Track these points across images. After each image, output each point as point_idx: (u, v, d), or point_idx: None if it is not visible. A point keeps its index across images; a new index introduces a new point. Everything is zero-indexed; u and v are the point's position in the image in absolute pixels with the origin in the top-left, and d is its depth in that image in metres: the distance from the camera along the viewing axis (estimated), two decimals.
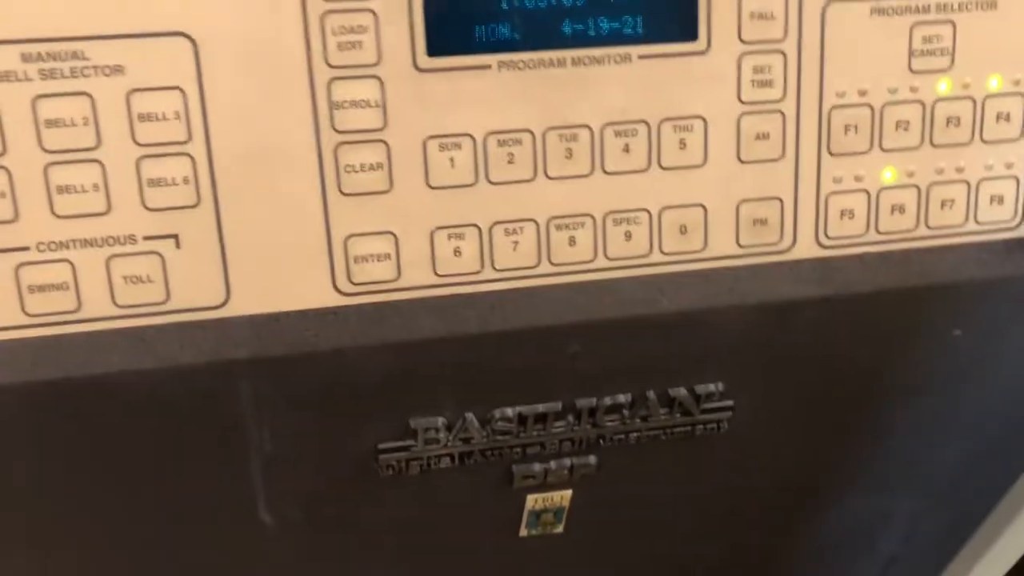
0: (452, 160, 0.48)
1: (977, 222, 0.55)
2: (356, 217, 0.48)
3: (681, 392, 0.56)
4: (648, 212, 0.51)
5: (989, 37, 0.52)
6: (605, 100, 0.48)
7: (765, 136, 0.51)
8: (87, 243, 0.45)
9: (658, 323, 0.52)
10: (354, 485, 0.55)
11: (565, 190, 0.49)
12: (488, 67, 0.47)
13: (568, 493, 0.61)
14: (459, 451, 0.55)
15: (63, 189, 0.44)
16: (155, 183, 0.45)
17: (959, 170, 0.54)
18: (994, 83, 0.53)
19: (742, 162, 0.51)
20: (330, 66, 0.45)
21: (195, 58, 0.44)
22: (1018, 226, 0.56)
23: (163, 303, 0.47)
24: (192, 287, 0.47)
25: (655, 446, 0.58)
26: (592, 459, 0.58)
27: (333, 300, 0.49)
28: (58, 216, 0.44)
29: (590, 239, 0.51)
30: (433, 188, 0.48)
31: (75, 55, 0.43)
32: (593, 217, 0.50)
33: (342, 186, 0.47)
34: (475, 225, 0.49)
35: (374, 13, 0.45)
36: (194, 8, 0.43)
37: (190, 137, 0.45)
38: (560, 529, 0.63)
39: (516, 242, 0.50)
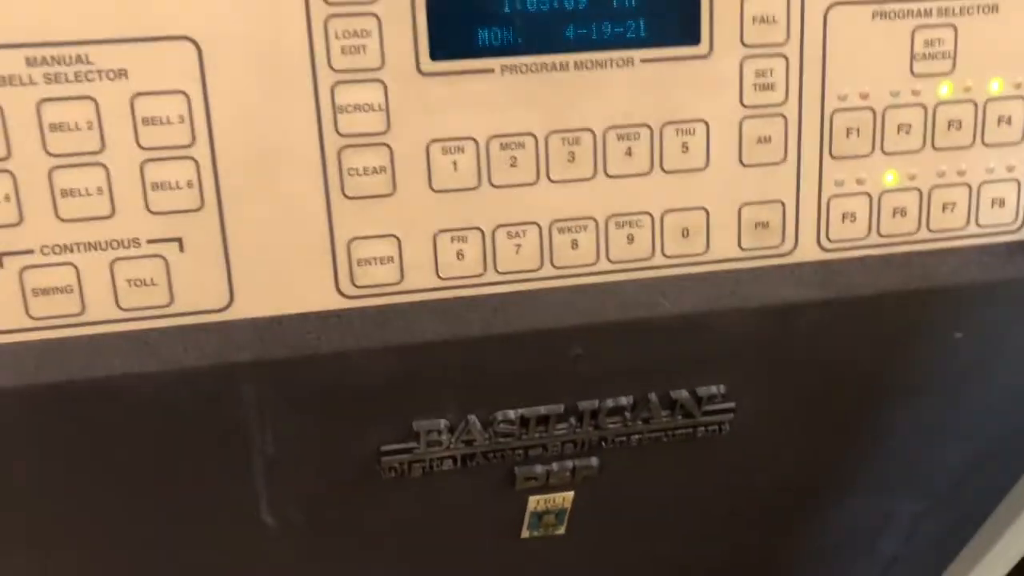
0: (455, 163, 0.48)
1: (978, 225, 0.55)
2: (359, 220, 0.48)
3: (683, 394, 0.56)
4: (650, 215, 0.51)
5: (990, 40, 0.52)
6: (608, 103, 0.49)
7: (767, 139, 0.51)
8: (91, 246, 0.45)
9: (660, 326, 0.52)
10: (356, 487, 0.55)
11: (567, 193, 0.50)
12: (491, 71, 0.47)
13: (570, 495, 0.61)
14: (461, 453, 0.55)
15: (67, 192, 0.44)
16: (159, 187, 0.45)
17: (960, 173, 0.54)
18: (995, 86, 0.53)
19: (744, 165, 0.51)
20: (333, 70, 0.45)
21: (199, 62, 0.44)
22: (1019, 229, 0.56)
23: (166, 306, 0.47)
24: (195, 290, 0.47)
25: (657, 448, 0.58)
26: (594, 461, 0.59)
27: (336, 303, 0.49)
28: (62, 219, 0.45)
29: (592, 242, 0.51)
30: (436, 191, 0.48)
31: (79, 59, 0.43)
32: (595, 220, 0.50)
33: (345, 189, 0.47)
34: (478, 228, 0.49)
35: (377, 17, 0.45)
36: (198, 12, 0.43)
37: (194, 141, 0.45)
38: (562, 530, 0.64)
39: (519, 245, 0.50)
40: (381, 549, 0.62)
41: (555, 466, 0.58)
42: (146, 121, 0.44)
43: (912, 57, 0.52)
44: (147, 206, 0.45)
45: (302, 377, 0.49)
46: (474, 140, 0.48)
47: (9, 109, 0.43)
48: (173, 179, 0.45)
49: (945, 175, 0.54)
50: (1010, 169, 0.54)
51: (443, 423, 0.54)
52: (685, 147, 0.50)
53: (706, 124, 0.50)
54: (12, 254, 0.45)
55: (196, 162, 0.45)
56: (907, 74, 0.52)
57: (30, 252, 0.45)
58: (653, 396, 0.56)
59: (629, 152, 0.50)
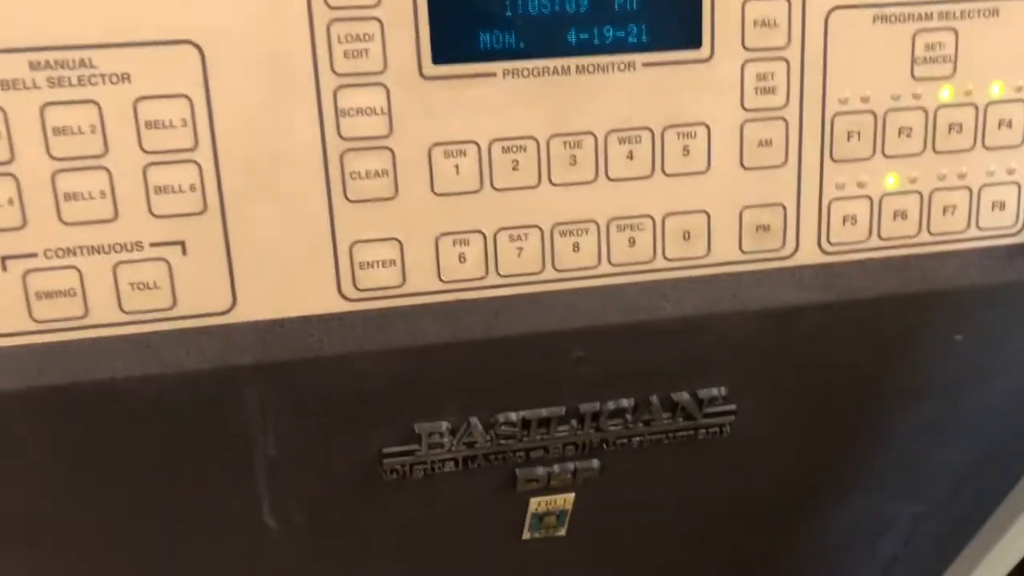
0: (457, 167, 0.48)
1: (979, 228, 0.55)
2: (361, 223, 0.48)
3: (684, 396, 0.56)
4: (652, 218, 0.51)
5: (991, 44, 0.52)
6: (609, 107, 0.49)
7: (768, 143, 0.51)
8: (94, 250, 0.45)
9: (661, 328, 0.53)
10: (358, 489, 0.55)
11: (569, 196, 0.50)
12: (493, 75, 0.47)
13: (571, 496, 0.61)
14: (463, 455, 0.55)
15: (70, 196, 0.44)
16: (162, 190, 0.45)
17: (961, 176, 0.54)
18: (996, 90, 0.53)
19: (745, 168, 0.51)
20: (336, 74, 0.46)
21: (202, 66, 0.44)
22: (1019, 232, 0.56)
23: (169, 309, 0.47)
24: (198, 293, 0.47)
25: (658, 450, 0.58)
26: (595, 463, 0.59)
27: (338, 306, 0.49)
28: (65, 223, 0.45)
29: (594, 245, 0.51)
30: (438, 195, 0.48)
31: (83, 63, 0.43)
32: (597, 223, 0.51)
33: (348, 193, 0.47)
34: (480, 231, 0.49)
35: (380, 21, 0.45)
36: (201, 16, 0.44)
37: (197, 144, 0.45)
38: (563, 532, 0.64)
39: (520, 248, 0.50)
40: (383, 551, 0.62)
41: (556, 468, 0.58)
42: (149, 125, 0.44)
43: (913, 61, 0.52)
44: (150, 209, 0.45)
45: (304, 380, 0.49)
46: (476, 144, 0.48)
47: (12, 113, 0.43)
48: (176, 183, 0.45)
49: (946, 178, 0.54)
50: (1010, 172, 0.55)
51: (445, 425, 0.54)
52: (686, 150, 0.50)
53: (707, 127, 0.50)
54: (15, 257, 0.45)
55: (199, 166, 0.45)
56: (908, 78, 0.52)
57: (33, 255, 0.45)
58: (654, 398, 0.56)
59: (630, 155, 0.50)
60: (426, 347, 0.50)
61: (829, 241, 0.54)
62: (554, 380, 0.54)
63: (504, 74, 0.47)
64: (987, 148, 0.54)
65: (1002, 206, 0.55)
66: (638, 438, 0.57)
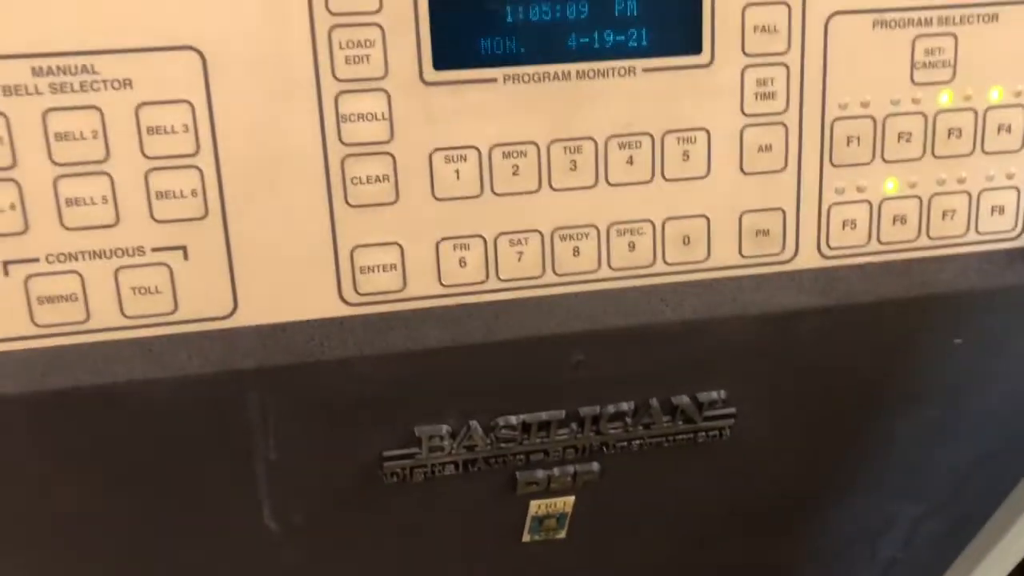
0: (458, 172, 0.48)
1: (978, 232, 0.55)
2: (362, 228, 0.48)
3: (684, 400, 0.57)
4: (651, 223, 0.51)
5: (990, 49, 0.52)
6: (609, 112, 0.49)
7: (768, 148, 0.51)
8: (96, 255, 0.45)
9: (661, 332, 0.53)
10: (359, 493, 0.56)
11: (569, 201, 0.50)
12: (494, 80, 0.47)
13: (571, 499, 0.61)
14: (463, 459, 0.55)
15: (72, 201, 0.45)
16: (163, 195, 0.45)
17: (960, 181, 0.54)
18: (995, 95, 0.53)
19: (745, 173, 0.51)
20: (337, 79, 0.46)
21: (203, 71, 0.44)
22: (1019, 236, 0.56)
23: (171, 314, 0.47)
24: (200, 298, 0.47)
25: (658, 453, 0.58)
26: (595, 466, 0.59)
27: (339, 310, 0.49)
28: (67, 228, 0.45)
29: (594, 249, 0.51)
30: (439, 200, 0.48)
31: (85, 69, 0.43)
32: (597, 228, 0.51)
33: (349, 197, 0.47)
34: (480, 236, 0.49)
35: (381, 27, 0.45)
36: (202, 22, 0.44)
37: (198, 150, 0.45)
38: (563, 534, 0.64)
39: (521, 252, 0.50)
40: (383, 554, 0.62)
41: (556, 471, 0.59)
42: (151, 130, 0.44)
43: (912, 66, 0.52)
44: (151, 215, 0.45)
45: (305, 384, 0.50)
46: (477, 149, 0.48)
47: (15, 118, 0.43)
48: (177, 188, 0.45)
49: (945, 183, 0.54)
50: (1010, 177, 0.55)
51: (445, 429, 0.54)
52: (686, 155, 0.50)
53: (707, 132, 0.50)
54: (17, 262, 0.45)
55: (200, 171, 0.45)
56: (907, 82, 0.52)
57: (35, 260, 0.45)
58: (654, 402, 0.56)
59: (631, 160, 0.50)
60: (427, 351, 0.50)
61: (829, 245, 0.54)
62: (554, 384, 0.54)
63: (505, 79, 0.47)
64: (986, 153, 0.54)
65: (1001, 210, 0.55)
66: (638, 441, 0.57)
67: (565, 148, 0.49)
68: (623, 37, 0.48)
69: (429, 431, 0.54)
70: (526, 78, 0.47)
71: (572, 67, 0.48)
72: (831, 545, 0.73)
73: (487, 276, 0.50)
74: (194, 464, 0.52)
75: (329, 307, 0.49)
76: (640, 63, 0.48)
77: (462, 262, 0.50)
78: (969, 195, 0.55)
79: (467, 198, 0.49)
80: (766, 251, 0.53)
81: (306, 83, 0.45)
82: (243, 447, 0.51)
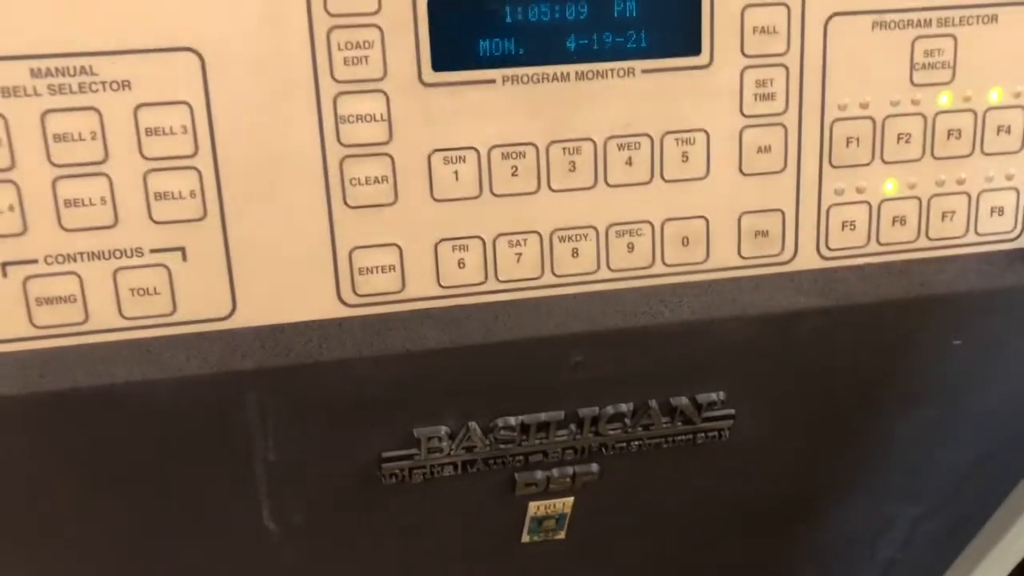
0: (456, 173, 0.48)
1: (977, 233, 0.55)
2: (361, 229, 0.48)
3: (683, 401, 0.57)
4: (651, 224, 0.51)
5: (990, 50, 0.52)
6: (608, 114, 0.49)
7: (767, 149, 0.51)
8: (94, 256, 0.45)
9: (660, 333, 0.53)
10: (358, 493, 0.56)
11: (568, 202, 0.50)
12: (492, 81, 0.47)
13: (570, 500, 0.61)
14: (462, 459, 0.55)
15: (71, 203, 0.44)
16: (162, 196, 0.45)
17: (960, 182, 0.54)
18: (995, 96, 0.53)
19: (744, 175, 0.51)
20: (336, 81, 0.46)
21: (202, 73, 0.44)
22: (1018, 237, 0.56)
23: (169, 315, 0.47)
24: (198, 299, 0.47)
25: (657, 454, 0.58)
26: (594, 467, 0.59)
27: (338, 311, 0.49)
28: (66, 229, 0.45)
29: (593, 251, 0.51)
30: (437, 201, 0.48)
31: (83, 70, 0.43)
32: (596, 229, 0.51)
33: (347, 199, 0.47)
34: (479, 237, 0.49)
35: (380, 28, 0.45)
36: (201, 23, 0.44)
37: (197, 151, 0.45)
38: (562, 535, 0.64)
39: (519, 254, 0.50)
40: (382, 555, 0.62)
41: (555, 472, 0.59)
42: (149, 132, 0.44)
43: (912, 67, 0.52)
44: (150, 216, 0.45)
45: (304, 385, 0.50)
46: (475, 150, 0.48)
47: (13, 120, 0.43)
48: (176, 189, 0.45)
49: (944, 184, 0.54)
50: (1009, 178, 0.55)
51: (444, 430, 0.54)
52: (685, 156, 0.50)
53: (706, 134, 0.50)
54: (16, 263, 0.45)
55: (199, 172, 0.45)
56: (907, 83, 0.52)
57: (34, 262, 0.45)
58: (653, 403, 0.56)
59: (629, 161, 0.50)
60: (425, 352, 0.50)
61: (828, 246, 0.54)
62: (553, 385, 0.54)
63: (504, 81, 0.47)
64: (986, 154, 0.54)
65: (1001, 211, 0.55)
66: (637, 442, 0.57)
67: (564, 149, 0.49)
68: (622, 38, 0.48)
69: (428, 432, 0.54)
70: (525, 79, 0.47)
71: (571, 68, 0.48)
72: (830, 545, 0.73)
73: (486, 277, 0.50)
74: (193, 465, 0.52)
75: (328, 308, 0.49)
76: (639, 64, 0.48)
77: (461, 263, 0.50)
78: (968, 196, 0.54)
79: (466, 199, 0.49)
80: (765, 252, 0.53)
81: (305, 84, 0.45)
82: (242, 448, 0.51)
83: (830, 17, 0.50)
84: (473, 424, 0.54)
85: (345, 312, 0.49)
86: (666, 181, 0.51)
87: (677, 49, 0.49)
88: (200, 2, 0.43)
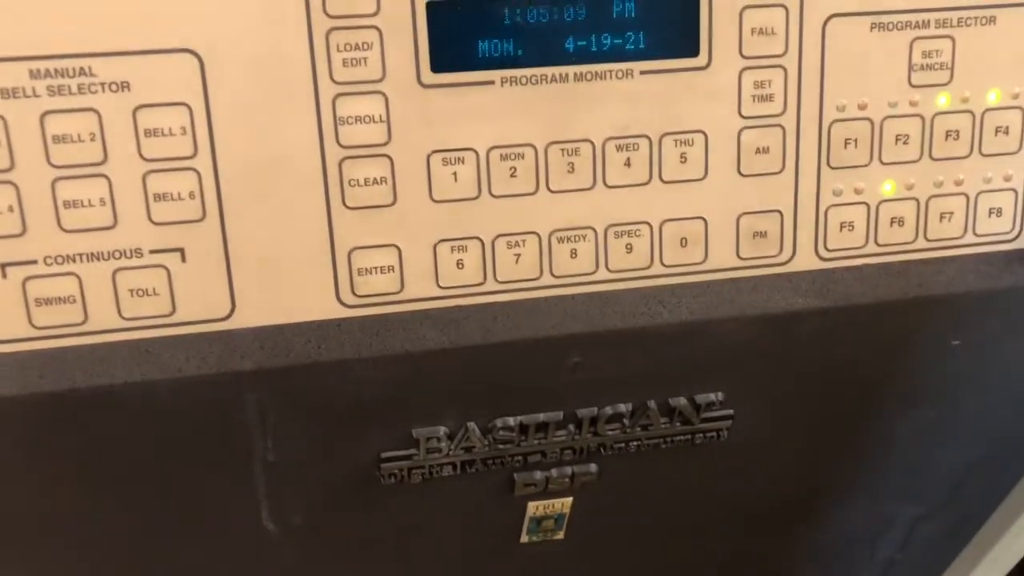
0: (455, 174, 0.48)
1: (975, 234, 0.55)
2: (360, 230, 0.48)
3: (681, 402, 0.57)
4: (649, 225, 0.51)
5: (988, 51, 0.52)
6: (607, 115, 0.49)
7: (765, 150, 0.51)
8: (94, 257, 0.46)
9: (658, 334, 0.53)
10: (357, 494, 0.56)
11: (567, 203, 0.50)
12: (491, 83, 0.47)
13: (569, 500, 0.61)
14: (461, 460, 0.56)
15: (70, 204, 0.45)
16: (161, 197, 0.45)
17: (958, 183, 0.54)
18: (993, 97, 0.53)
19: (742, 175, 0.51)
20: (335, 82, 0.46)
21: (201, 74, 0.44)
22: (1016, 238, 0.56)
23: (169, 316, 0.47)
24: (197, 300, 0.47)
25: (655, 455, 0.58)
26: (593, 467, 0.59)
27: (337, 312, 0.49)
28: (65, 230, 0.45)
29: (592, 251, 0.51)
30: (436, 202, 0.48)
31: (82, 71, 0.43)
32: (595, 230, 0.51)
33: (346, 200, 0.47)
34: (478, 238, 0.49)
35: (378, 29, 0.45)
36: (200, 25, 0.44)
37: (196, 152, 0.45)
38: (561, 535, 0.64)
39: (518, 254, 0.50)
40: (381, 555, 0.62)
41: (554, 472, 0.59)
42: (148, 133, 0.44)
43: (910, 68, 0.52)
44: (149, 217, 0.46)
45: (303, 385, 0.50)
46: (474, 151, 0.48)
47: (12, 121, 0.43)
48: (175, 190, 0.45)
49: (943, 185, 0.54)
50: (1007, 179, 0.55)
51: (443, 430, 0.54)
52: (684, 157, 0.50)
53: (705, 135, 0.50)
54: (15, 264, 0.45)
55: (198, 173, 0.45)
56: (905, 85, 0.52)
57: (33, 262, 0.45)
58: (652, 403, 0.56)
59: (628, 163, 0.50)
60: (424, 353, 0.50)
61: (826, 247, 0.54)
62: (552, 385, 0.54)
63: (502, 82, 0.47)
64: (984, 155, 0.54)
65: (999, 212, 0.55)
66: (636, 443, 0.58)
67: (563, 150, 0.49)
68: (620, 40, 0.48)
69: (427, 432, 0.54)
70: (524, 80, 0.48)
71: (570, 69, 0.48)
72: (830, 546, 0.73)
73: (485, 278, 0.50)
74: (192, 466, 0.52)
75: (327, 309, 0.49)
76: (638, 65, 0.48)
77: (460, 264, 0.50)
78: (967, 197, 0.55)
79: (465, 200, 0.49)
80: (764, 253, 0.53)
81: (304, 85, 0.45)
82: (241, 448, 0.51)
83: (828, 18, 0.50)
84: (472, 424, 0.54)
85: (344, 313, 0.49)
86: (664, 182, 0.51)
87: (676, 50, 0.49)
88: (199, 3, 0.43)
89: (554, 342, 0.52)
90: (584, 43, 0.48)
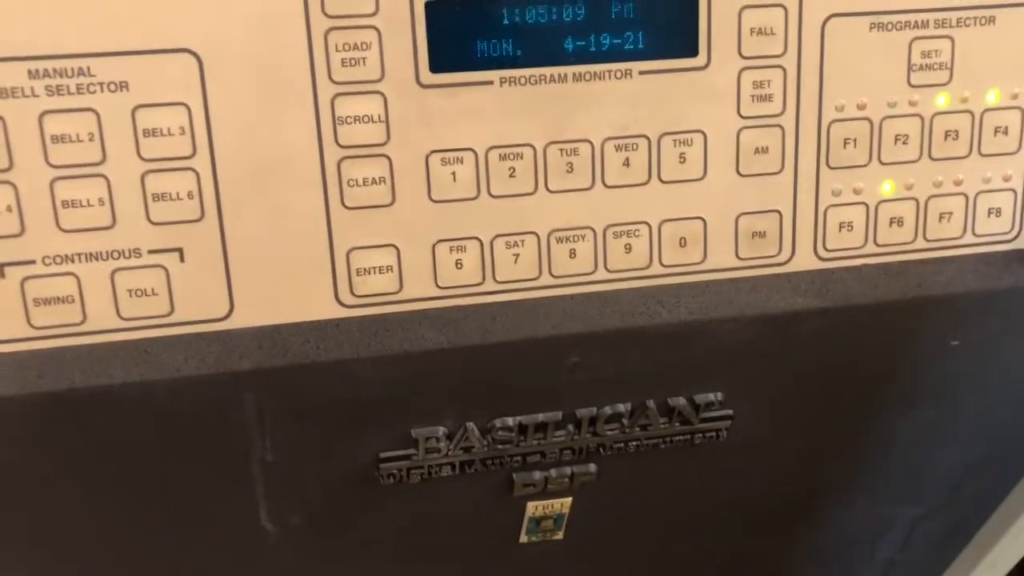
0: (454, 174, 0.48)
1: (975, 234, 0.55)
2: (359, 230, 0.48)
3: (680, 402, 0.57)
4: (648, 225, 0.51)
5: (987, 52, 0.52)
6: (606, 115, 0.49)
7: (764, 150, 0.51)
8: (92, 257, 0.46)
9: (658, 334, 0.53)
10: (356, 494, 0.56)
11: (566, 203, 0.50)
12: (490, 83, 0.47)
13: (568, 500, 0.61)
14: (460, 460, 0.56)
15: (69, 204, 0.45)
16: (159, 197, 0.45)
17: (957, 183, 0.54)
18: (992, 97, 0.53)
19: (741, 175, 0.51)
20: (333, 82, 0.46)
21: (200, 74, 0.44)
22: (1015, 238, 0.56)
23: (167, 316, 0.47)
24: (196, 300, 0.47)
25: (655, 455, 0.58)
26: (592, 467, 0.59)
27: (335, 312, 0.49)
28: (64, 230, 0.45)
29: (590, 251, 0.51)
30: (435, 201, 0.48)
31: (81, 71, 0.43)
32: (593, 230, 0.51)
33: (345, 200, 0.47)
34: (476, 238, 0.49)
35: (377, 30, 0.45)
36: (199, 25, 0.44)
37: (194, 152, 0.45)
38: (560, 535, 0.64)
39: (517, 254, 0.50)
40: (380, 555, 0.62)
41: (553, 473, 0.59)
42: (147, 133, 0.44)
43: (909, 68, 0.52)
44: (148, 217, 0.46)
45: (302, 385, 0.50)
46: (473, 151, 0.48)
47: (11, 121, 0.43)
48: (174, 190, 0.45)
49: (942, 185, 0.54)
50: (1007, 179, 0.55)
51: (442, 430, 0.54)
52: (683, 157, 0.50)
53: (704, 135, 0.50)
54: (14, 264, 0.45)
55: (197, 173, 0.45)
56: (904, 85, 0.52)
57: (32, 262, 0.45)
58: (651, 403, 0.56)
59: (627, 163, 0.50)
60: (423, 353, 0.50)
61: (825, 247, 0.54)
62: (551, 385, 0.54)
63: (501, 82, 0.47)
64: (983, 155, 0.54)
65: (998, 212, 0.55)
66: (635, 443, 0.58)
67: (561, 150, 0.49)
68: (619, 40, 0.48)
69: (426, 432, 0.54)
70: (522, 81, 0.47)
71: (568, 70, 0.48)
72: (830, 546, 0.73)
73: (483, 278, 0.50)
74: (190, 466, 0.52)
75: (325, 309, 0.49)
76: (636, 66, 0.48)
77: (458, 264, 0.50)
78: (966, 197, 0.55)
79: (463, 200, 0.49)
80: (763, 253, 0.53)
81: (302, 85, 0.45)
82: (240, 448, 0.51)
83: (827, 18, 0.50)
84: (471, 424, 0.54)
85: (343, 313, 0.49)
86: (663, 182, 0.51)
87: (674, 50, 0.49)
88: (197, 3, 0.43)
89: (553, 342, 0.52)
90: (583, 43, 0.48)
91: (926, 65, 0.52)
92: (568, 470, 0.59)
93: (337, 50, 0.45)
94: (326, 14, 0.45)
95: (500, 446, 0.55)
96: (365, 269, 0.49)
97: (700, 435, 0.58)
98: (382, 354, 0.50)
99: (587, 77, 0.48)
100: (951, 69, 0.52)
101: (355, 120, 0.46)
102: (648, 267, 0.52)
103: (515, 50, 0.47)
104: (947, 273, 0.55)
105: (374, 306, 0.49)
